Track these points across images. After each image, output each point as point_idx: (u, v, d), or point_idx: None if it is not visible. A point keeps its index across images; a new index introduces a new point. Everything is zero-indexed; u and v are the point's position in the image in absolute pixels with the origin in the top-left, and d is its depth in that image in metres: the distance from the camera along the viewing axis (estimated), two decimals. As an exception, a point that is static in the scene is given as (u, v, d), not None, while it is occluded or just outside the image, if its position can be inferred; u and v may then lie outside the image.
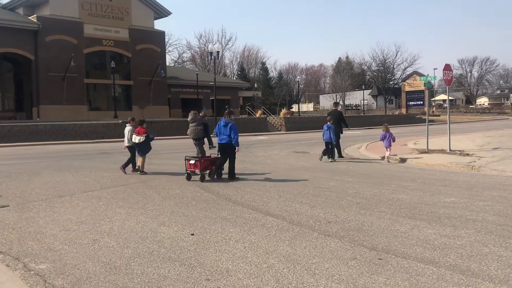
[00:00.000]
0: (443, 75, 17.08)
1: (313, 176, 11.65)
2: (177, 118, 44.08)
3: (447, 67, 17.11)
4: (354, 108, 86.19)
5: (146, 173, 12.06)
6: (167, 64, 57.40)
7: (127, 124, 12.97)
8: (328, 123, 15.39)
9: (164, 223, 6.54)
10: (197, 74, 51.43)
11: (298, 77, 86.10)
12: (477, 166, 12.99)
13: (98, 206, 7.84)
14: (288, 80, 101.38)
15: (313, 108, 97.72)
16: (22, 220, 6.81)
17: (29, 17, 40.15)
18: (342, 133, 16.64)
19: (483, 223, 6.38)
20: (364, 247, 5.30)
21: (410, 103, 75.20)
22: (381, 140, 15.92)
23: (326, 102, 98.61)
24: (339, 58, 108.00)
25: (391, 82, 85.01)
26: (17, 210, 7.55)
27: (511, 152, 15.82)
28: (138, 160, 12.35)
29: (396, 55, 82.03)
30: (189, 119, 13.53)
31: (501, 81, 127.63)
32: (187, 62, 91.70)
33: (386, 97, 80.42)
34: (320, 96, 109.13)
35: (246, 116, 54.29)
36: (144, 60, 45.58)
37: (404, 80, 79.62)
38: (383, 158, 15.55)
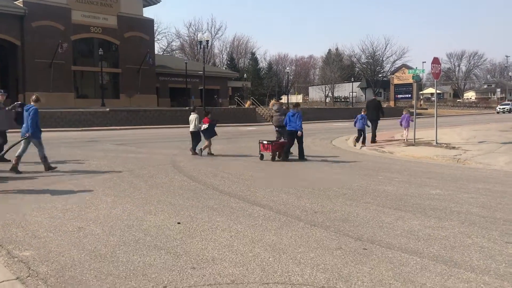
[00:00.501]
0: (431, 69, 17.20)
1: (301, 167, 11.69)
2: (165, 107, 43.87)
3: (435, 61, 17.21)
4: (343, 100, 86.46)
5: (213, 154, 14.19)
6: (156, 52, 56.92)
7: (191, 113, 15.03)
8: (362, 113, 18.21)
9: (151, 212, 6.53)
10: (186, 63, 51.13)
11: (287, 68, 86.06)
12: (462, 159, 13.14)
13: (84, 194, 7.78)
14: (277, 71, 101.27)
15: (303, 99, 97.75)
16: (6, 207, 6.74)
17: (15, 2, 39.47)
18: (379, 119, 19.05)
19: (467, 215, 6.46)
20: (350, 237, 5.34)
21: (398, 96, 75.49)
22: (400, 122, 19.18)
23: (315, 93, 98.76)
24: (329, 50, 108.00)
25: (380, 75, 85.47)
26: (1, 198, 7.47)
27: (497, 146, 16.01)
28: (205, 143, 14.35)
29: (385, 48, 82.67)
30: (275, 108, 15.07)
31: (488, 76, 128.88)
32: (176, 51, 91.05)
33: (374, 89, 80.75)
34: (310, 87, 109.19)
35: (235, 106, 54.21)
36: (132, 48, 45.17)
37: (393, 73, 79.94)
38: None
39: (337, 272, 4.24)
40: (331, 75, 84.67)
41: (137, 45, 45.50)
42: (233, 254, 4.73)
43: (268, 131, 25.80)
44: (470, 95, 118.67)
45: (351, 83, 76.66)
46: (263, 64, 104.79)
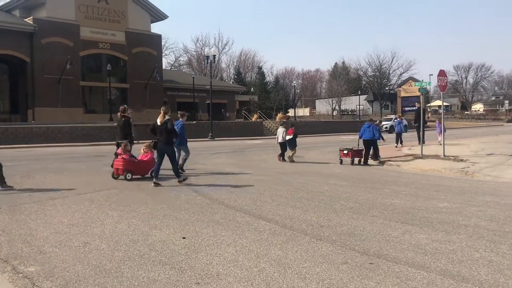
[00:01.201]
0: (438, 81, 17.15)
1: (307, 180, 11.65)
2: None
3: (442, 73, 17.18)
4: (350, 113, 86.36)
5: (294, 162, 16.27)
6: (164, 67, 57.39)
7: (280, 126, 17.45)
8: (398, 118, 24.24)
9: (156, 226, 6.52)
10: (193, 77, 51.45)
11: (294, 82, 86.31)
12: (470, 171, 13.03)
13: (90, 209, 7.80)
14: (284, 84, 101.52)
15: (309, 113, 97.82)
16: (13, 223, 6.76)
17: (25, 19, 40.09)
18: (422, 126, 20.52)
19: (475, 228, 6.39)
20: (356, 252, 5.29)
21: (406, 108, 75.43)
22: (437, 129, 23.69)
23: (322, 107, 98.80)
24: (336, 63, 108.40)
25: (386, 88, 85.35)
26: (8, 213, 7.51)
27: (505, 158, 15.88)
28: (290, 152, 16.60)
29: (392, 61, 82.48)
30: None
31: (496, 88, 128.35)
32: (184, 66, 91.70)
33: (381, 102, 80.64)
34: (316, 101, 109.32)
35: (242, 120, 54.33)
36: (140, 63, 45.57)
37: (399, 85, 79.98)
38: (380, 163, 15.81)
39: (342, 287, 4.19)
40: (337, 88, 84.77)
41: (145, 61, 45.90)
42: (238, 269, 4.70)
43: (276, 144, 25.95)
44: (478, 107, 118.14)
45: (358, 96, 76.60)
46: (270, 78, 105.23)
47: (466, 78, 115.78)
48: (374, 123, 16.71)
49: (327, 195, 9.25)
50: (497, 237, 5.89)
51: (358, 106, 77.29)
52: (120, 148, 12.27)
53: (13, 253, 5.25)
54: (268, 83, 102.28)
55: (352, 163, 15.59)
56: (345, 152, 15.93)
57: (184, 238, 5.88)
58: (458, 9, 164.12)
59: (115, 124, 14.28)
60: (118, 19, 44.56)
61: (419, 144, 20.17)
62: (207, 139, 33.79)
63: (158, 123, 10.81)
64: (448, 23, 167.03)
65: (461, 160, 15.62)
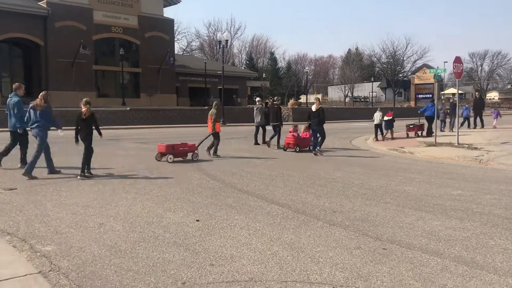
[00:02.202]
0: (453, 68, 16.91)
1: (320, 166, 11.63)
2: (184, 106, 44.17)
3: (457, 60, 16.93)
4: (362, 100, 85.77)
5: (391, 139, 18.98)
6: (176, 52, 57.29)
7: (377, 110, 20.02)
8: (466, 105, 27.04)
9: (170, 209, 6.57)
10: (205, 63, 51.39)
11: (306, 68, 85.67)
12: (485, 160, 12.90)
13: (104, 191, 7.89)
14: (296, 70, 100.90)
15: (322, 99, 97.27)
16: (30, 203, 6.87)
17: (39, 3, 40.18)
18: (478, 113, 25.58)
19: (490, 216, 6.34)
20: (369, 237, 5.30)
21: (419, 96, 74.58)
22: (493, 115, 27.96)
23: (335, 93, 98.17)
24: (349, 49, 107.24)
25: (400, 75, 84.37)
26: (24, 193, 7.62)
27: (520, 147, 15.68)
28: (387, 133, 19.55)
29: (406, 47, 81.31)
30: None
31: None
32: (196, 51, 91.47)
33: (395, 89, 79.89)
34: (329, 87, 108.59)
35: (253, 105, 54.19)
36: (152, 48, 45.55)
37: (413, 73, 78.95)
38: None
39: (356, 272, 4.21)
40: (350, 74, 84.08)
41: (157, 45, 45.87)
42: (251, 252, 4.74)
43: (286, 130, 25.94)
44: (493, 95, 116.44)
45: (371, 83, 75.99)
46: (282, 63, 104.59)
47: (481, 65, 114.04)
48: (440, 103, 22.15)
49: (339, 182, 9.24)
50: (512, 225, 5.85)
51: (371, 93, 76.71)
52: (291, 128, 16.04)
53: (31, 233, 5.34)
54: (280, 69, 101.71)
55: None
56: (411, 126, 20.94)
57: (198, 220, 5.93)
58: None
59: (257, 109, 17.74)
60: (131, 3, 44.48)
61: (479, 127, 24.78)
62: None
63: (313, 110, 14.60)
64: (464, 12, 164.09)
65: (475, 148, 15.46)
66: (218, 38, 42.52)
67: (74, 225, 5.70)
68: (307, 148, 15.26)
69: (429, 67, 67.79)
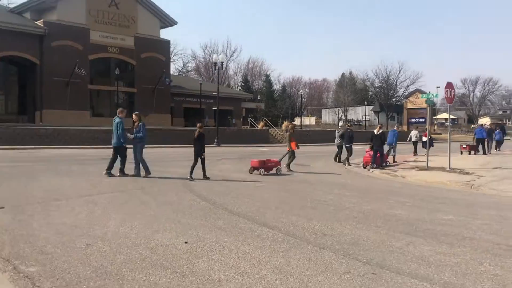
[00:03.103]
0: (445, 93, 17.10)
1: (312, 189, 11.61)
2: (179, 126, 44.19)
3: (449, 85, 17.13)
4: (356, 123, 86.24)
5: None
6: (172, 73, 57.66)
7: (413, 129, 25.95)
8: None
9: (159, 230, 6.50)
10: (200, 84, 51.65)
11: (301, 91, 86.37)
12: (476, 185, 12.94)
13: (93, 211, 7.80)
14: (291, 93, 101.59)
15: (315, 122, 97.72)
16: (16, 222, 6.77)
17: (36, 22, 40.45)
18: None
19: (480, 241, 6.32)
20: (359, 261, 5.25)
21: (412, 120, 75.17)
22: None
23: (329, 116, 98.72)
24: (343, 73, 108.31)
25: (393, 99, 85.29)
26: (11, 212, 7.52)
27: (511, 173, 15.75)
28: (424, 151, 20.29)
29: (399, 72, 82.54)
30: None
31: (504, 102, 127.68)
32: (192, 72, 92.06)
33: (388, 113, 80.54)
34: (323, 110, 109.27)
35: (248, 127, 54.36)
36: (148, 68, 45.79)
37: (406, 97, 79.79)
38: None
39: (344, 297, 4.15)
40: (344, 98, 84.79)
41: (153, 66, 46.13)
42: (239, 275, 4.67)
43: (281, 152, 25.91)
44: (485, 120, 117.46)
45: (365, 106, 76.57)
46: (277, 86, 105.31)
47: (473, 91, 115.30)
48: (488, 127, 26.93)
49: (331, 204, 9.20)
50: (503, 251, 5.83)
51: (364, 117, 77.21)
52: (368, 148, 18.74)
53: (15, 253, 5.25)
54: (275, 91, 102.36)
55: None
56: (464, 146, 25.69)
57: (186, 242, 5.86)
58: (466, 22, 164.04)
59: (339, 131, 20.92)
60: (127, 24, 44.88)
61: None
62: (212, 145, 33.82)
63: (375, 133, 17.61)
64: (456, 36, 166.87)
65: (467, 173, 15.52)
66: (214, 60, 42.84)
67: (61, 245, 5.61)
68: (372, 165, 17.57)
69: (421, 92, 68.50)
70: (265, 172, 14.57)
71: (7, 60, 39.88)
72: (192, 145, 13.42)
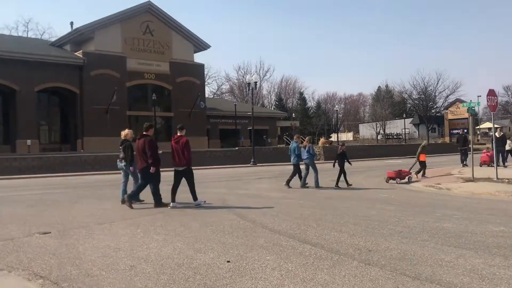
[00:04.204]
0: (487, 101, 16.57)
1: (352, 204, 11.38)
2: (215, 148, 44.59)
3: (491, 93, 16.60)
4: (395, 137, 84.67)
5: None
6: (206, 95, 58.53)
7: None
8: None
9: (200, 250, 6.49)
10: (235, 105, 52.13)
11: (336, 107, 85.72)
12: (527, 194, 12.36)
13: (136, 233, 7.89)
14: (326, 109, 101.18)
15: (353, 137, 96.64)
16: (62, 246, 6.92)
17: (75, 53, 42.09)
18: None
19: (536, 253, 5.98)
20: (407, 276, 5.05)
21: (454, 131, 73.23)
22: None
23: (366, 131, 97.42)
24: (379, 86, 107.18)
25: (433, 110, 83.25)
26: (57, 237, 7.70)
27: None
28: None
29: (437, 83, 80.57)
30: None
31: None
32: (226, 94, 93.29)
33: (428, 125, 78.72)
34: (360, 125, 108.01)
35: (284, 145, 54.26)
36: (184, 92, 46.68)
37: (446, 108, 77.89)
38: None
39: (394, 314, 3.98)
40: (381, 112, 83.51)
41: (188, 89, 46.99)
42: (284, 293, 4.58)
43: (321, 169, 25.68)
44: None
45: (403, 119, 75.19)
46: (311, 103, 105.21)
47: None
48: None
49: (374, 220, 8.97)
50: (562, 262, 5.49)
51: (403, 130, 75.78)
52: (485, 150, 20.86)
53: (63, 276, 5.34)
54: (310, 109, 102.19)
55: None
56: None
57: (228, 261, 5.82)
58: (505, 27, 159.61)
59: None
60: (162, 50, 46.03)
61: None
62: (249, 165, 33.87)
63: (497, 136, 18.61)
64: (496, 43, 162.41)
65: (516, 183, 14.87)
66: (247, 80, 43.24)
67: (106, 267, 5.68)
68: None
69: (462, 101, 66.81)
70: (400, 181, 16.92)
71: (50, 91, 41.58)
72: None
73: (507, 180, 15.60)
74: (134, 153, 12.24)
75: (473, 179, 16.38)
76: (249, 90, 51.68)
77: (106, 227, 8.63)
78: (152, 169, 11.27)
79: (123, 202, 11.62)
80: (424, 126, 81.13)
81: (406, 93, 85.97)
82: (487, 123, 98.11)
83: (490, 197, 12.75)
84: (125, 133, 13.15)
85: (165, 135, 46.87)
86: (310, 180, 16.10)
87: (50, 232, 8.09)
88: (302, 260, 5.88)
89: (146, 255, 6.30)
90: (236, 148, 39.64)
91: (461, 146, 25.12)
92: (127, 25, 43.75)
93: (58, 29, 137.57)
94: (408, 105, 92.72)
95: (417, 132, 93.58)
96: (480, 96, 52.49)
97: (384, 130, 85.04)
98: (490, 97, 16.54)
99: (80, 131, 41.03)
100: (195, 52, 49.94)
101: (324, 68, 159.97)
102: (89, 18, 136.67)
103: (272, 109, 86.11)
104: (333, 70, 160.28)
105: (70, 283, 5.07)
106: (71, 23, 51.54)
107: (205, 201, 11.69)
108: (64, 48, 44.39)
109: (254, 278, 5.10)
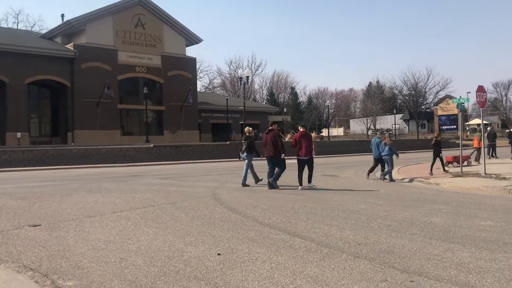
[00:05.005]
0: (477, 97, 16.71)
1: (343, 198, 11.46)
2: (207, 142, 44.56)
3: (480, 89, 16.74)
4: (385, 132, 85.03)
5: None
6: (198, 89, 58.41)
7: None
8: None
9: (191, 243, 6.51)
10: (227, 99, 52.13)
11: (327, 102, 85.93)
12: (514, 189, 12.52)
13: (126, 226, 7.89)
14: (317, 104, 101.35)
15: (344, 132, 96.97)
16: (52, 239, 6.90)
17: (66, 46, 41.74)
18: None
19: (522, 246, 6.08)
20: (395, 269, 5.12)
21: (443, 127, 73.84)
22: None
23: (357, 126, 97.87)
24: (370, 82, 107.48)
25: (423, 106, 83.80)
26: (48, 229, 7.68)
27: (551, 176, 15.19)
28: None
29: (427, 79, 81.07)
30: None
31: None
32: (218, 88, 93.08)
33: (418, 121, 79.25)
34: (351, 120, 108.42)
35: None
36: (175, 86, 46.53)
37: (436, 104, 78.49)
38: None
39: (382, 305, 4.04)
40: (372, 107, 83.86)
41: (180, 83, 46.85)
42: (273, 286, 4.62)
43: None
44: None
45: (394, 115, 75.64)
46: (303, 98, 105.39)
47: (506, 95, 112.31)
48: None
49: (364, 214, 9.05)
50: (547, 256, 5.59)
51: (393, 125, 76.20)
52: None
53: (53, 268, 5.34)
54: (301, 103, 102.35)
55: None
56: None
57: (219, 254, 5.85)
58: (494, 25, 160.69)
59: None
60: (154, 44, 45.81)
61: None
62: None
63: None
64: (486, 40, 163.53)
65: (504, 178, 15.05)
66: (239, 74, 43.24)
67: (96, 260, 5.68)
68: None
69: (452, 97, 67.28)
70: (458, 165, 18.75)
71: (40, 84, 41.26)
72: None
73: (494, 176, 15.78)
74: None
75: (461, 174, 16.54)
76: (241, 84, 51.69)
77: (97, 219, 8.62)
78: (282, 156, 13.81)
79: (244, 185, 14.47)
80: (414, 121, 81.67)
81: (397, 89, 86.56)
82: (476, 119, 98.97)
83: (478, 192, 12.89)
84: (249, 130, 15.87)
85: (157, 128, 46.76)
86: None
87: (40, 225, 8.07)
88: (292, 253, 5.93)
89: (136, 247, 6.30)
90: (228, 142, 39.63)
91: (490, 142, 27.57)
92: (118, 18, 43.46)
93: (48, 21, 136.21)
94: (399, 101, 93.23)
95: (407, 127, 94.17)
96: (470, 92, 52.93)
97: (375, 125, 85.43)
98: (480, 93, 16.69)
99: (71, 124, 40.78)
100: (187, 46, 49.76)
101: (315, 63, 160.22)
102: (81, 10, 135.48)
103: (264, 103, 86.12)
104: (324, 66, 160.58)
105: (60, 275, 5.06)
106: (62, 15, 51.33)
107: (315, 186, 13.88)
108: (55, 41, 44.02)
109: (245, 271, 5.14)
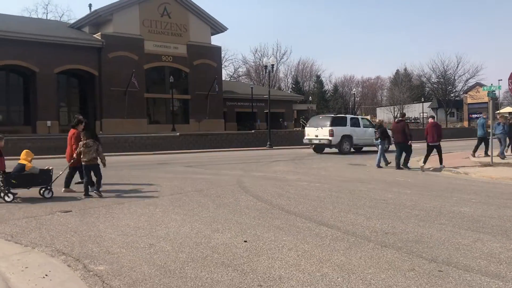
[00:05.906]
0: (509, 84, 16.27)
1: (369, 188, 11.38)
2: (232, 131, 44.72)
3: (513, 76, 16.27)
4: (413, 121, 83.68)
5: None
6: (223, 78, 58.48)
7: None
8: None
9: (218, 230, 6.59)
10: (251, 88, 52.03)
11: (354, 90, 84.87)
12: (547, 179, 12.19)
13: (155, 213, 8.03)
14: (343, 92, 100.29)
15: (371, 120, 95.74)
16: (83, 225, 7.09)
17: (94, 35, 42.31)
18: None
19: (555, 238, 5.94)
20: (423, 259, 5.08)
21: (473, 115, 72.11)
22: None
23: (384, 115, 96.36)
24: (397, 70, 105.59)
25: (452, 94, 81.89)
26: (78, 215, 7.89)
27: None
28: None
29: (457, 66, 78.93)
30: None
31: None
32: (243, 77, 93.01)
33: (446, 109, 77.57)
34: (377, 108, 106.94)
35: (300, 129, 54.14)
36: (201, 75, 46.69)
37: (466, 92, 76.65)
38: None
39: (410, 294, 4.02)
40: (399, 95, 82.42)
41: (205, 72, 46.97)
42: (300, 273, 4.65)
43: (332, 152, 25.59)
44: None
45: (421, 103, 74.24)
46: (328, 86, 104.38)
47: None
48: None
49: (390, 203, 8.98)
50: None
51: (421, 114, 74.85)
52: None
53: (84, 253, 5.50)
54: (327, 92, 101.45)
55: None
56: None
57: (245, 241, 5.91)
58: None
59: None
60: (180, 33, 45.97)
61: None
62: (265, 147, 33.94)
63: None
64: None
65: (536, 168, 14.66)
66: (264, 63, 43.05)
67: (126, 245, 5.82)
68: None
69: (482, 85, 65.54)
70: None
71: (69, 73, 41.99)
72: None
73: (527, 166, 15.39)
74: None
75: (491, 164, 16.19)
76: (265, 73, 51.55)
77: (126, 206, 8.80)
78: (409, 143, 16.30)
79: (378, 166, 16.94)
80: (443, 110, 79.98)
81: (425, 77, 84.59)
82: (508, 107, 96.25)
83: (509, 182, 12.60)
84: (380, 121, 18.28)
85: (182, 117, 47.12)
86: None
87: (71, 211, 8.29)
88: (318, 241, 5.94)
89: (165, 234, 6.42)
90: (253, 131, 39.66)
91: None
92: (145, 7, 43.73)
93: (76, 11, 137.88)
94: (427, 89, 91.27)
95: (436, 116, 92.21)
96: (501, 80, 51.42)
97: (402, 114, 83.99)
98: (511, 80, 16.24)
99: (99, 112, 41.46)
100: (212, 34, 49.74)
101: (341, 51, 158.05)
102: (108, 0, 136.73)
103: (289, 92, 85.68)
104: (350, 53, 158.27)
105: (92, 259, 5.21)
106: (90, 5, 51.83)
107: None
108: (83, 30, 44.61)
109: (271, 258, 5.18)
